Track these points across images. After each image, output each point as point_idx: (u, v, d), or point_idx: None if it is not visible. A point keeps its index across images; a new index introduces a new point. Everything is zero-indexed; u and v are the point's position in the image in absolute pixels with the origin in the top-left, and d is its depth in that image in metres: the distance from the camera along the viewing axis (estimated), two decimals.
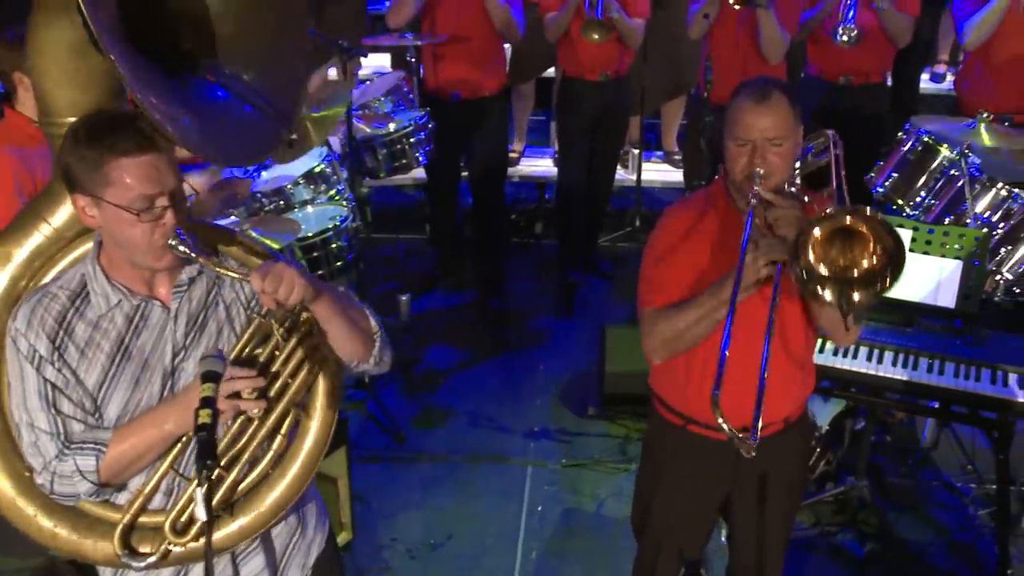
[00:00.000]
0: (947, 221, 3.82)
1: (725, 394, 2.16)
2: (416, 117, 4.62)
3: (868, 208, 2.11)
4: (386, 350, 2.08)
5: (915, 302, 3.35)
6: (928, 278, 3.38)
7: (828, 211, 2.14)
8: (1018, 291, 3.62)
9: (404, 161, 4.51)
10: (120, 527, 1.89)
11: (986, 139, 3.70)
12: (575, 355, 4.91)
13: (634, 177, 5.93)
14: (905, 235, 3.46)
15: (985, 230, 3.59)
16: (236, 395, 1.82)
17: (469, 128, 4.99)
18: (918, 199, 4.01)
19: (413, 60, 4.93)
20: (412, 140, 4.51)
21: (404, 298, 5.14)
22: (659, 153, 6.41)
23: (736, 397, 2.31)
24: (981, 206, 3.79)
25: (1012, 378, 3.09)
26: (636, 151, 5.99)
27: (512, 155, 6.23)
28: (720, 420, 2.11)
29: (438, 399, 4.61)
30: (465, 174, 5.40)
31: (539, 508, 3.92)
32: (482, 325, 5.24)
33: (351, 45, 4.00)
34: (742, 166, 2.35)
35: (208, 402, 1.69)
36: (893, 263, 2.08)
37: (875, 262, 2.10)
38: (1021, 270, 3.63)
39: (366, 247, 5.28)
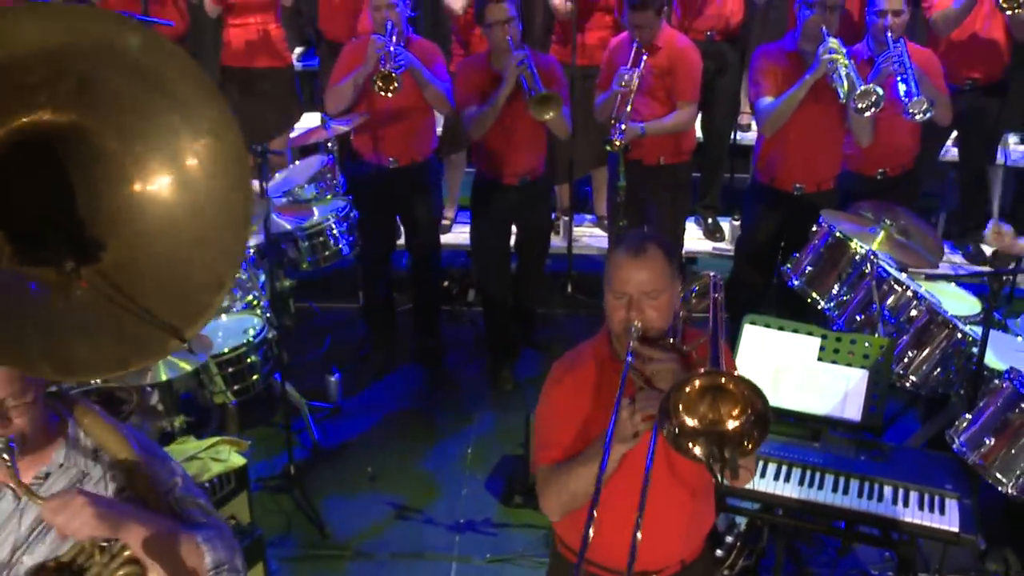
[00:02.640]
0: (859, 319, 3.91)
1: (621, 540, 2.19)
2: (339, 207, 4.61)
3: (735, 372, 2.13)
4: None
5: (821, 415, 3.41)
6: (835, 389, 3.44)
7: (700, 372, 2.17)
8: (923, 392, 3.71)
9: (327, 253, 4.49)
10: None
11: (881, 245, 3.78)
12: (505, 437, 4.92)
13: (565, 245, 5.98)
14: (814, 343, 3.53)
15: (893, 336, 3.68)
16: None
17: (404, 192, 5.07)
18: (833, 292, 4.09)
19: (333, 146, 4.92)
20: (335, 232, 4.50)
21: (333, 379, 5.13)
22: (591, 217, 6.45)
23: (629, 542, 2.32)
24: (890, 304, 3.88)
25: (912, 497, 3.15)
26: (567, 218, 6.03)
27: (444, 222, 6.25)
28: None
29: (367, 489, 4.59)
30: (401, 242, 5.44)
31: None
32: (413, 406, 5.23)
33: (270, 149, 3.98)
34: (620, 318, 2.40)
35: None
36: (759, 423, 2.09)
37: (742, 421, 2.11)
38: (925, 371, 3.72)
39: (294, 321, 5.27)
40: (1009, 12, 4.70)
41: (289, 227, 4.35)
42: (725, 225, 6.27)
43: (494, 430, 5.01)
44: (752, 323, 3.61)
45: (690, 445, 2.12)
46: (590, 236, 6.21)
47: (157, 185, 1.91)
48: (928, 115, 4.19)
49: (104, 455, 2.01)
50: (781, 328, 3.58)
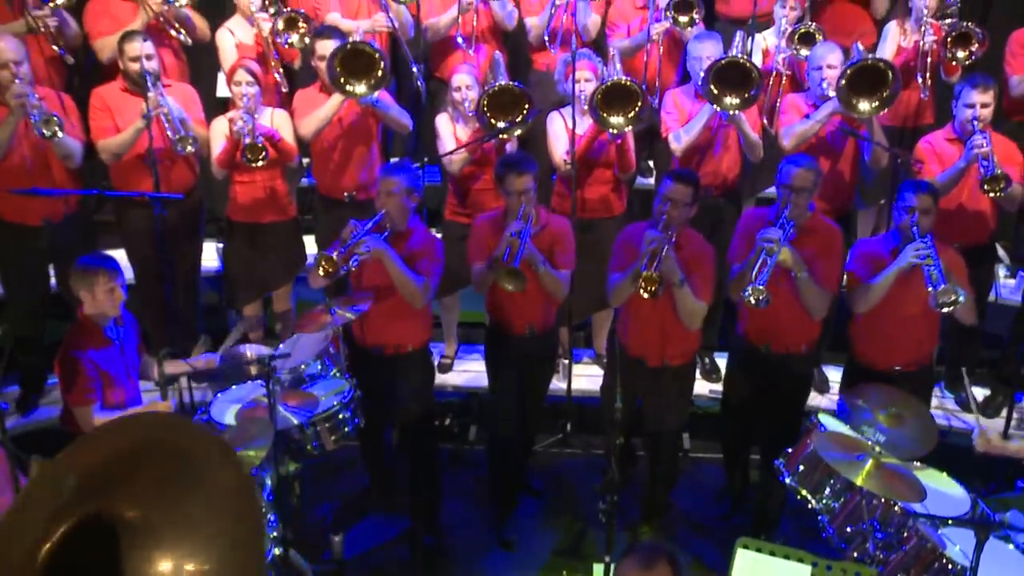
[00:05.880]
0: (849, 531, 4.02)
1: None
2: (344, 392, 4.71)
3: None
4: None
5: None
6: None
7: None
8: None
9: (332, 438, 4.59)
10: None
11: (866, 479, 3.87)
12: None
13: (564, 385, 6.09)
14: (805, 571, 3.64)
15: (883, 554, 3.80)
16: None
17: (391, 383, 5.02)
18: (825, 492, 4.20)
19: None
20: (340, 416, 4.60)
21: (337, 539, 5.20)
22: (590, 351, 6.56)
23: None
24: (880, 516, 3.98)
25: None
26: (566, 361, 6.14)
27: (444, 361, 6.36)
28: None
29: None
30: None
31: None
32: (416, 564, 5.32)
33: (275, 355, 4.11)
34: None
35: None
36: None
37: None
38: None
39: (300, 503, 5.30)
40: (992, 196, 4.87)
41: (296, 421, 4.46)
42: (722, 362, 6.37)
43: None
44: (745, 547, 3.71)
45: None
46: (589, 376, 6.32)
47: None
48: (956, 307, 4.36)
49: None
50: (773, 553, 3.69)
